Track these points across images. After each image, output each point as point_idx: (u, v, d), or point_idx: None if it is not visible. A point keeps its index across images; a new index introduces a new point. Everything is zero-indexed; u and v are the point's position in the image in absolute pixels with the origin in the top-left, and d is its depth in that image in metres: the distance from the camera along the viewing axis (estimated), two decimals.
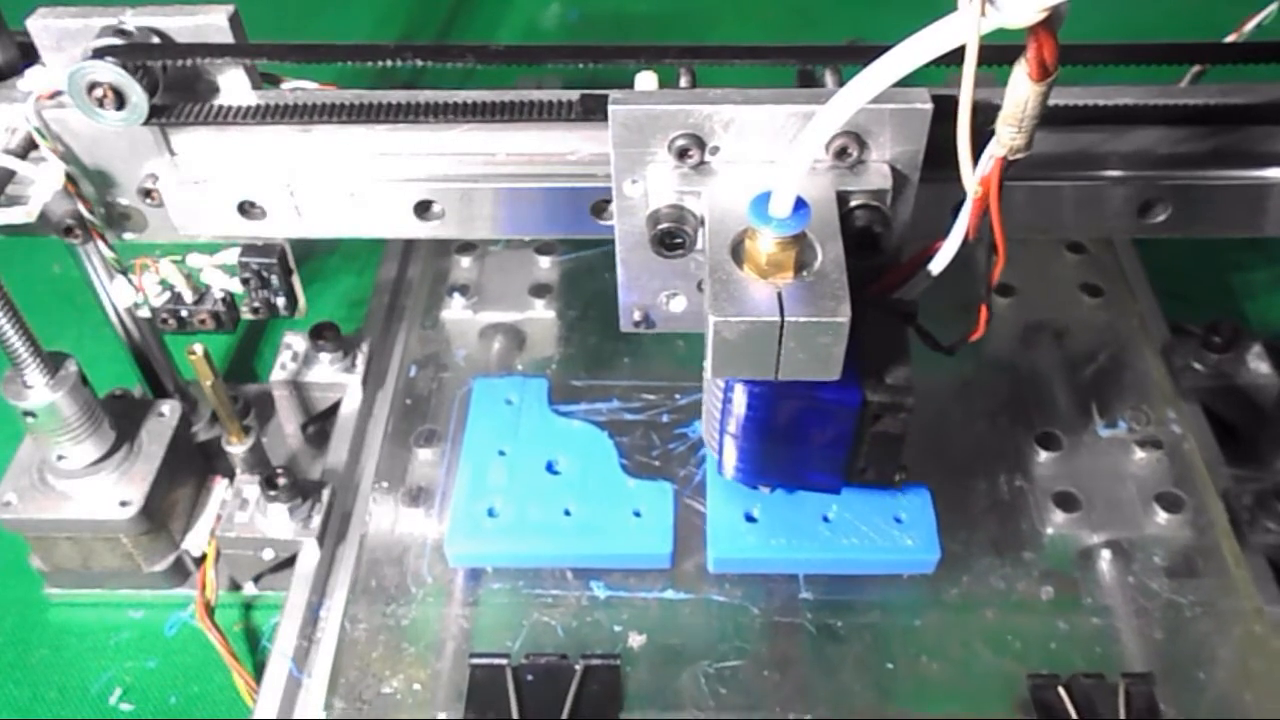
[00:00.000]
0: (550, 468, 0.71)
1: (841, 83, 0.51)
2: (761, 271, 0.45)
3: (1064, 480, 0.72)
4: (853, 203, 0.49)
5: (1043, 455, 0.74)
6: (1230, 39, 0.56)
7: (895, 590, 0.67)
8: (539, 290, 0.86)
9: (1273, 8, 0.58)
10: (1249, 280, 0.98)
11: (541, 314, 0.85)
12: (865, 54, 0.46)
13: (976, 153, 0.44)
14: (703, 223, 0.49)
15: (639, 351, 0.82)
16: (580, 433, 0.73)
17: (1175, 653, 0.64)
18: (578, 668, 0.63)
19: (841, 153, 0.48)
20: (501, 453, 0.72)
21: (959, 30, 0.38)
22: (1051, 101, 0.52)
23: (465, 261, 0.89)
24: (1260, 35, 0.56)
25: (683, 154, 0.49)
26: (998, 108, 0.42)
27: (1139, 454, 0.73)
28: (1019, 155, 0.43)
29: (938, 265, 0.50)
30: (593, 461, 0.71)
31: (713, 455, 0.59)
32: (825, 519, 0.67)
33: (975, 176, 0.45)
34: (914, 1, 0.43)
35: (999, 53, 0.42)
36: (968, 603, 0.67)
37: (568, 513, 0.68)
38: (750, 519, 0.67)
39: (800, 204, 0.45)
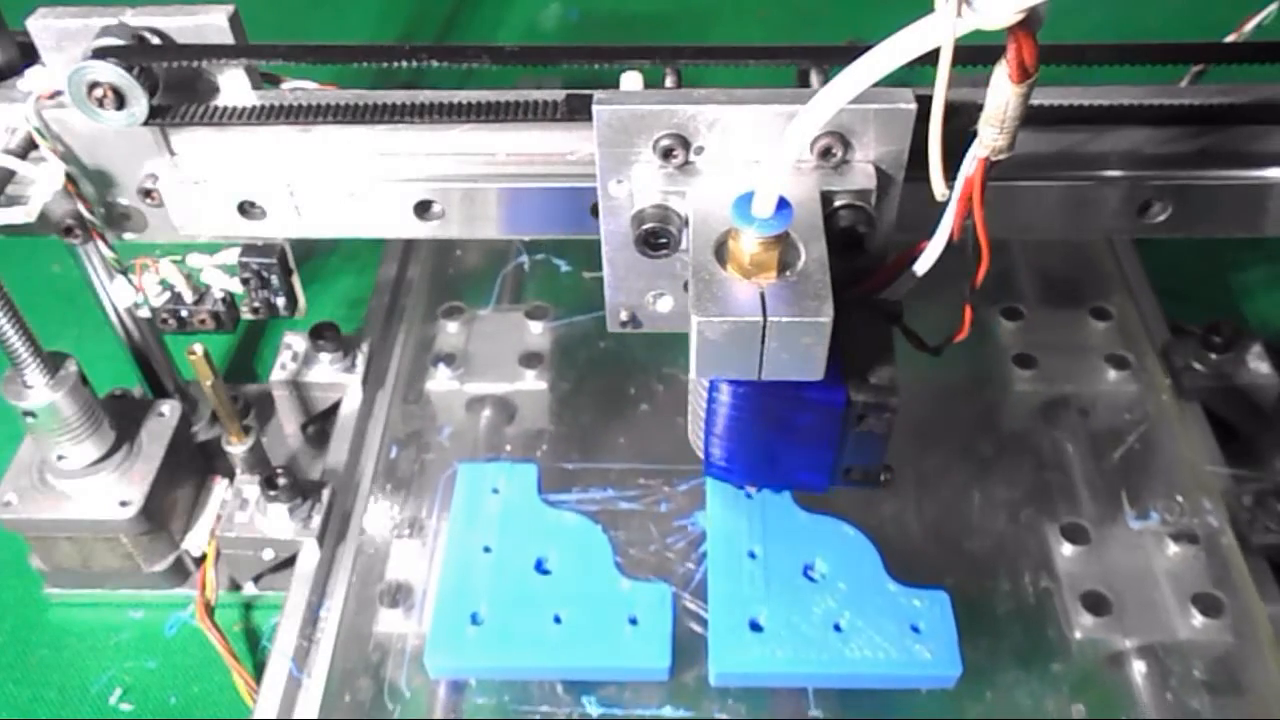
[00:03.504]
0: (539, 566, 0.66)
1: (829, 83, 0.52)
2: (745, 271, 0.45)
3: (1093, 580, 0.67)
4: (837, 203, 0.49)
5: (1069, 550, 0.69)
6: (1230, 39, 0.56)
7: (913, 707, 0.62)
8: (530, 360, 0.81)
9: (1273, 8, 0.58)
10: (1249, 280, 0.98)
11: (533, 385, 0.79)
12: (859, 54, 0.46)
13: (959, 154, 0.44)
14: (687, 223, 0.49)
15: (636, 429, 0.77)
16: (572, 527, 0.68)
17: None
18: None
19: (826, 153, 0.48)
20: (487, 549, 0.66)
21: (935, 31, 0.38)
22: (1050, 101, 0.53)
23: (452, 327, 0.83)
24: (1260, 35, 0.56)
25: (667, 154, 0.49)
26: (980, 108, 0.42)
27: (1173, 549, 0.68)
28: (1002, 156, 0.43)
29: (922, 266, 0.50)
30: (585, 560, 0.66)
31: (698, 452, 0.59)
32: (837, 627, 0.62)
33: (959, 178, 0.45)
34: (914, 2, 0.42)
35: (983, 53, 0.42)
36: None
37: (558, 620, 0.63)
38: (755, 627, 0.62)
39: (783, 204, 0.45)
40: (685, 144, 0.49)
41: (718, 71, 0.54)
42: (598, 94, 0.49)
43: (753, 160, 0.50)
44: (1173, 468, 0.74)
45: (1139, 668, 0.65)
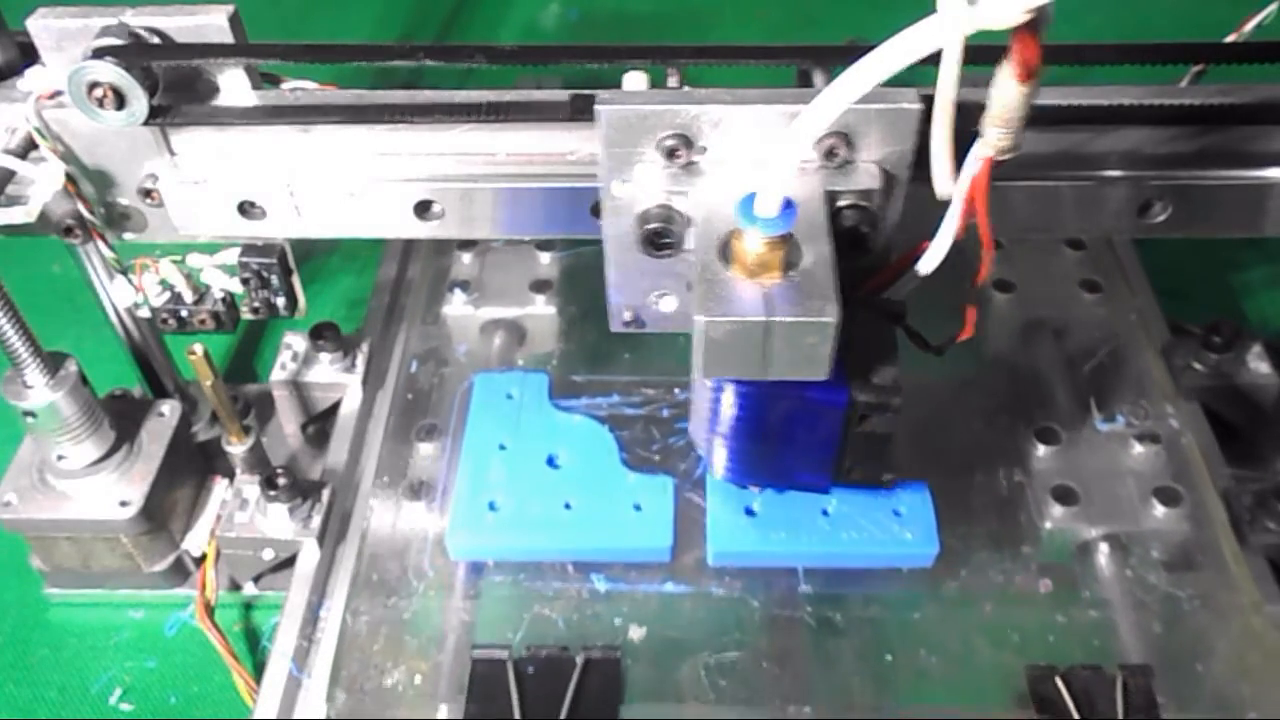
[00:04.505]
0: (551, 462, 0.71)
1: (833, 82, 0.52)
2: (749, 271, 0.45)
3: (1062, 475, 0.72)
4: (841, 203, 0.49)
5: (1041, 450, 0.74)
6: (1230, 39, 0.56)
7: (894, 584, 0.67)
8: (540, 286, 0.87)
9: (1273, 8, 0.58)
10: (1249, 280, 0.98)
11: (542, 310, 0.85)
12: (864, 55, 0.46)
13: (963, 154, 0.44)
14: (691, 223, 0.49)
15: (639, 348, 0.82)
16: (580, 427, 0.74)
17: (1173, 646, 0.64)
18: (578, 660, 0.63)
19: (830, 153, 0.48)
20: (502, 447, 0.72)
21: (939, 32, 0.38)
22: (1051, 101, 0.53)
23: (466, 258, 0.89)
24: (1260, 35, 0.56)
25: (671, 154, 0.49)
26: (985, 107, 0.42)
27: (1137, 448, 0.73)
28: (1006, 156, 0.43)
29: (926, 265, 0.50)
30: (593, 456, 0.71)
31: (701, 452, 0.59)
32: (824, 513, 0.67)
33: (964, 178, 0.44)
34: (914, 2, 0.42)
35: (989, 52, 0.41)
36: (966, 596, 0.67)
37: (568, 506, 0.68)
38: (750, 513, 0.67)
39: (787, 204, 0.45)
40: (689, 144, 0.49)
41: (716, 71, 0.54)
42: (601, 94, 0.49)
43: (756, 160, 0.49)
44: (1138, 377, 0.79)
45: (1103, 549, 0.69)
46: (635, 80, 0.53)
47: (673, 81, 0.55)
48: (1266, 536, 0.68)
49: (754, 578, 0.68)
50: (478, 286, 0.87)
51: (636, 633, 0.66)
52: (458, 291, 0.86)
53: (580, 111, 0.53)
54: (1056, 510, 0.70)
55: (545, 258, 0.89)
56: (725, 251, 0.46)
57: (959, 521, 0.69)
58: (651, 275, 0.54)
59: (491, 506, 0.68)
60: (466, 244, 0.90)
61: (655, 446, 0.74)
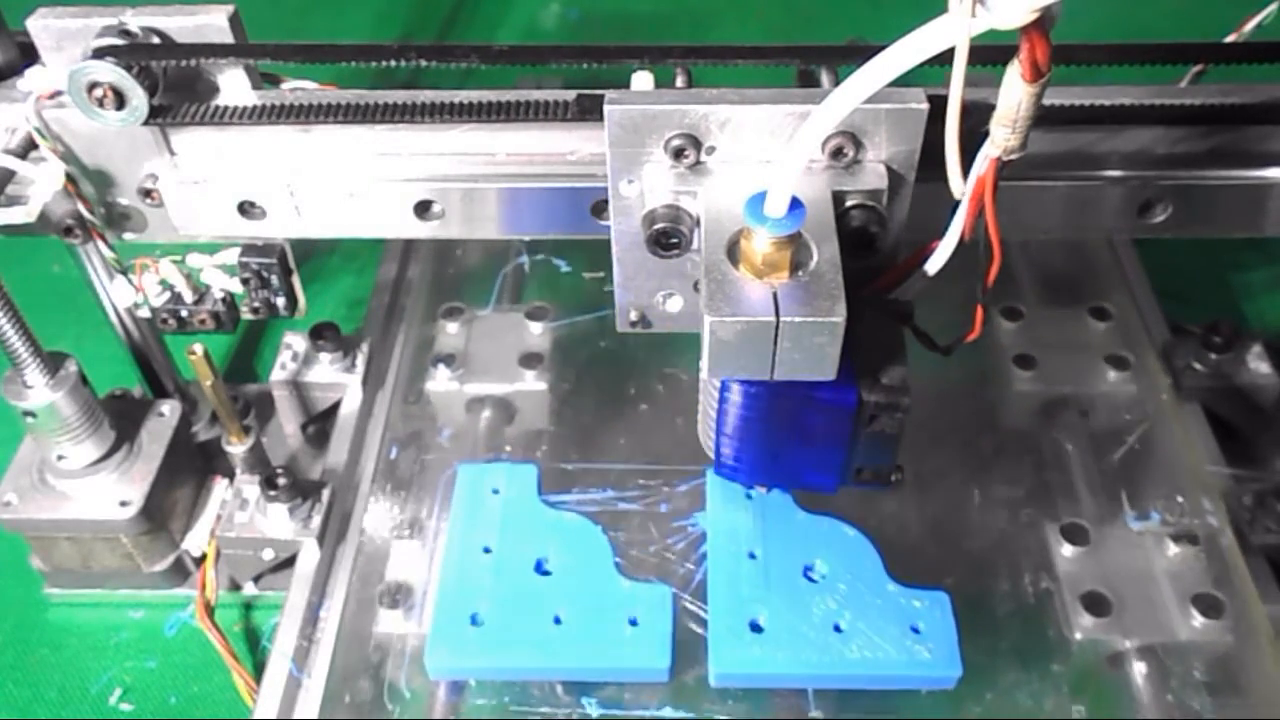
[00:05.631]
0: (539, 567, 0.66)
1: (839, 83, 0.51)
2: (757, 271, 0.45)
3: (1093, 579, 0.67)
4: (849, 203, 0.49)
5: (1069, 550, 0.69)
6: (1230, 39, 0.56)
7: (914, 707, 0.62)
8: (529, 360, 0.80)
9: (1273, 8, 0.58)
10: (1249, 280, 0.98)
11: (532, 386, 0.79)
12: (865, 54, 0.46)
13: (971, 154, 0.44)
14: (699, 223, 0.49)
15: (635, 429, 0.77)
16: (572, 527, 0.68)
17: None
18: None
19: (837, 153, 0.48)
20: (487, 550, 0.66)
21: (950, 31, 0.38)
22: (1051, 101, 0.53)
23: (452, 328, 0.83)
24: (1260, 35, 0.56)
25: (679, 154, 0.49)
26: (992, 108, 0.42)
27: (1173, 549, 0.68)
28: (1014, 156, 0.43)
29: (934, 265, 0.50)
30: (585, 561, 0.66)
31: (709, 452, 0.59)
32: (837, 628, 0.62)
33: (971, 178, 0.45)
34: (914, 1, 0.42)
35: (995, 53, 0.42)
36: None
37: (558, 620, 0.63)
38: (755, 628, 0.62)
39: (795, 204, 0.45)
40: (696, 144, 0.49)
41: (715, 71, 0.54)
42: (609, 94, 0.49)
43: (764, 160, 0.49)
44: (1173, 468, 0.73)
45: (1139, 668, 0.65)
46: (642, 80, 0.53)
47: (680, 82, 0.55)
48: (1266, 536, 0.68)
49: (760, 699, 0.63)
50: (463, 361, 0.81)
51: None
52: (441, 367, 0.80)
53: (587, 111, 0.53)
54: (1087, 620, 0.65)
55: (536, 328, 0.83)
56: (733, 251, 0.46)
57: (982, 633, 0.65)
58: (658, 275, 0.54)
59: (474, 619, 0.63)
60: (451, 312, 0.84)
61: (652, 548, 0.68)
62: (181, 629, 0.74)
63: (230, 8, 0.54)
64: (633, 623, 0.63)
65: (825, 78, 0.56)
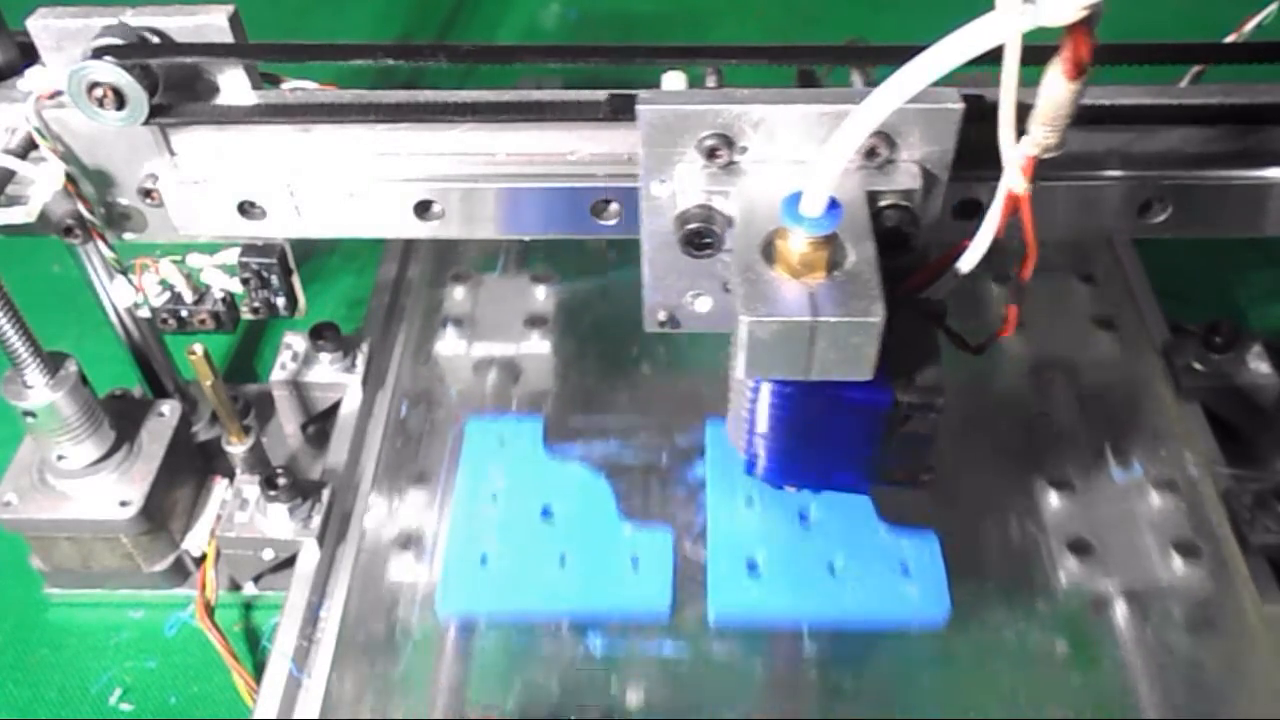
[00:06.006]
0: (545, 513, 0.68)
1: (871, 82, 0.51)
2: (793, 271, 0.45)
3: (1077, 525, 0.70)
4: (882, 203, 0.49)
5: (1055, 499, 0.71)
6: (1230, 39, 0.56)
7: (904, 645, 0.64)
8: (535, 321, 0.84)
9: (1273, 8, 0.58)
10: (1249, 280, 0.98)
11: (537, 347, 0.83)
12: (878, 55, 0.46)
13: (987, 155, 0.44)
14: (731, 223, 0.49)
15: (638, 388, 0.79)
16: (576, 476, 0.71)
17: (1194, 710, 0.62)
18: None
19: (870, 152, 0.48)
20: (494, 497, 0.69)
21: (998, 29, 0.38)
22: None
23: (459, 292, 0.86)
24: (1260, 35, 0.56)
25: (711, 154, 0.49)
26: (1027, 107, 0.42)
27: (1155, 498, 0.71)
28: (1051, 154, 0.43)
29: (966, 264, 0.50)
30: (589, 507, 0.68)
31: (740, 452, 0.59)
32: (831, 569, 0.64)
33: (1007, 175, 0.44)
34: (914, 1, 0.42)
35: (1026, 53, 0.41)
36: (979, 657, 0.64)
37: (563, 561, 0.66)
38: (753, 569, 0.64)
39: (833, 204, 0.44)
40: (730, 144, 0.49)
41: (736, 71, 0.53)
42: (641, 94, 0.49)
43: (797, 160, 0.49)
44: (1154, 423, 0.76)
45: (1120, 608, 0.67)
46: (674, 80, 0.53)
47: (711, 82, 0.55)
48: (1266, 536, 0.68)
49: (757, 638, 0.65)
50: (470, 323, 0.84)
51: (634, 697, 0.63)
52: (450, 328, 0.83)
53: (619, 111, 0.53)
54: (1071, 563, 0.68)
55: (540, 291, 0.86)
56: (768, 251, 0.46)
57: (970, 575, 0.67)
58: (688, 275, 0.54)
59: (483, 561, 0.66)
60: (459, 277, 0.87)
61: (654, 496, 0.71)
62: (181, 629, 0.74)
63: (230, 8, 0.54)
64: (634, 564, 0.66)
65: (857, 78, 0.55)
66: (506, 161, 0.57)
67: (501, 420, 0.74)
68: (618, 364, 0.81)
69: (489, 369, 0.82)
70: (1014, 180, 0.44)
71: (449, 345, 0.83)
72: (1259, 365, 0.77)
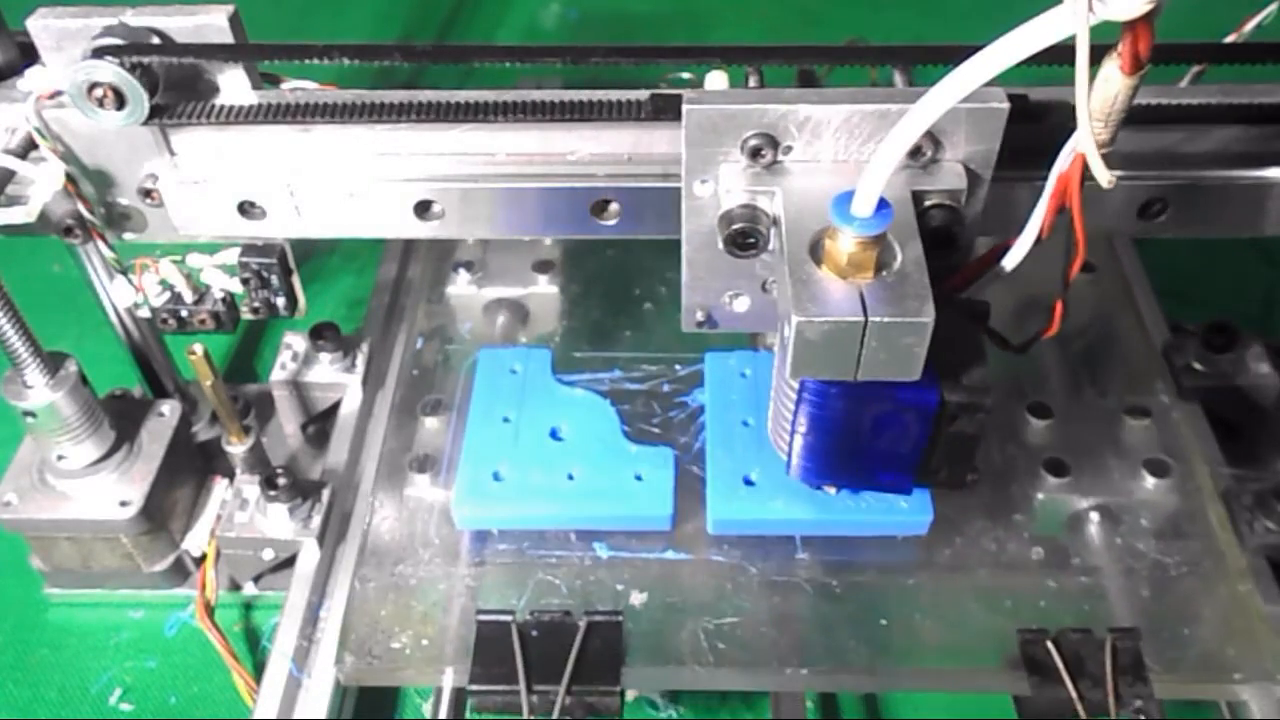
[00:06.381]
0: (554, 434, 0.72)
1: (911, 82, 0.51)
2: (841, 271, 0.45)
3: (1055, 447, 0.73)
4: (927, 202, 0.49)
5: (1035, 423, 0.74)
6: (1230, 39, 0.56)
7: (889, 551, 0.69)
8: (542, 266, 0.87)
9: (1273, 8, 0.58)
10: (1249, 280, 0.98)
11: (545, 289, 0.86)
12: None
13: (1050, 153, 0.44)
14: (775, 223, 0.49)
15: (640, 325, 0.83)
16: (583, 400, 0.75)
17: (1161, 610, 0.66)
18: (581, 624, 0.63)
19: (915, 152, 0.48)
20: (506, 420, 0.73)
21: (1064, 25, 0.38)
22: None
23: (470, 238, 0.90)
24: (1260, 35, 0.56)
25: (756, 154, 0.49)
26: (1071, 106, 0.42)
27: (1128, 422, 0.74)
28: (1104, 150, 0.43)
29: (1011, 262, 0.49)
30: (595, 428, 0.73)
31: (781, 456, 0.60)
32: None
33: (1054, 173, 0.44)
34: (914, 1, 0.42)
35: (1059, 54, 0.41)
36: (960, 563, 0.68)
37: (571, 477, 0.70)
38: (749, 483, 0.68)
39: (883, 204, 0.44)
40: (774, 143, 0.49)
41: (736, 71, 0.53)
42: (687, 93, 0.49)
43: (841, 159, 0.49)
44: (1128, 353, 0.81)
45: (1094, 518, 0.70)
46: (717, 80, 0.53)
47: (753, 82, 0.54)
48: (1266, 536, 0.68)
49: (752, 546, 0.69)
50: (481, 267, 0.88)
51: (638, 598, 0.67)
52: (462, 272, 0.87)
53: (662, 111, 0.53)
54: (1049, 481, 0.71)
55: (548, 238, 0.89)
56: (816, 251, 0.46)
57: (953, 493, 0.69)
58: (726, 275, 0.54)
59: (496, 477, 0.70)
60: None
61: (656, 420, 0.75)
62: (181, 629, 0.74)
63: (230, 8, 0.54)
64: (638, 478, 0.70)
65: (899, 78, 0.55)
66: (506, 161, 0.57)
67: (512, 350, 0.79)
68: (621, 303, 0.86)
69: (499, 310, 0.86)
70: (1101, 176, 0.43)
71: (460, 287, 0.87)
72: (1259, 365, 0.77)
